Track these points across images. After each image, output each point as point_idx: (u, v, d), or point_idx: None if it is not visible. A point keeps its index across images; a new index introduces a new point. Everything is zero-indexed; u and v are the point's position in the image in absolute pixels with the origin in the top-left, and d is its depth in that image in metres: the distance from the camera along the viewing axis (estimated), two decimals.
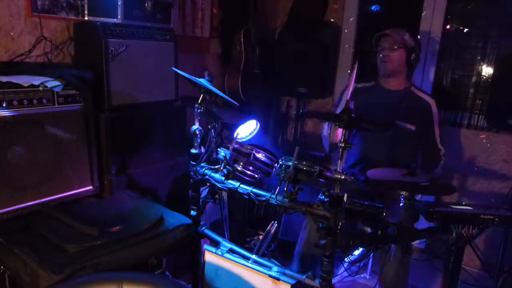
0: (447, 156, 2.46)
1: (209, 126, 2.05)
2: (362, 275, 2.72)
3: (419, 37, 2.58)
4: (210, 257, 1.88)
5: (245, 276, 1.79)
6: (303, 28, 3.35)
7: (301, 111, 3.54)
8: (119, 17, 2.05)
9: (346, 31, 3.45)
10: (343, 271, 1.94)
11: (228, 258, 1.83)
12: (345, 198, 1.59)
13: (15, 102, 1.66)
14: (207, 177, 1.99)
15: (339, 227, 1.59)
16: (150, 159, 2.22)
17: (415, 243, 2.85)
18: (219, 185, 1.94)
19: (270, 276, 1.72)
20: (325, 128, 2.50)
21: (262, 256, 1.85)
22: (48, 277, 1.37)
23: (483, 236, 2.85)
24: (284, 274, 1.73)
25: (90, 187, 1.97)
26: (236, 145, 1.93)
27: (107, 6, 2.07)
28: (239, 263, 1.80)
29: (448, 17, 3.06)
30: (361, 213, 1.69)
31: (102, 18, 2.09)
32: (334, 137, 2.45)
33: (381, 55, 2.45)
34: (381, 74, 2.51)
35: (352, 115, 1.56)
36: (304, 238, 2.27)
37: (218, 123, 2.08)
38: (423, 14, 3.09)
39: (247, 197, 1.83)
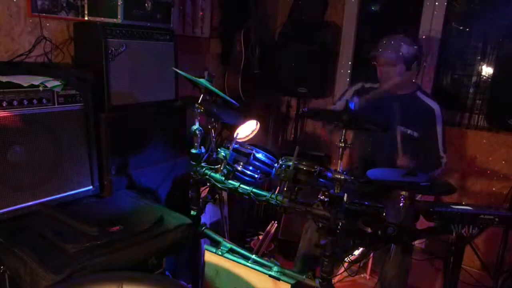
0: (449, 160, 2.44)
1: (209, 126, 2.04)
2: (362, 275, 2.72)
3: (420, 40, 2.49)
4: (210, 257, 1.88)
5: (245, 276, 1.78)
6: (303, 28, 3.35)
7: (302, 110, 3.54)
8: (119, 17, 2.05)
9: (346, 31, 3.46)
10: (343, 271, 1.94)
11: (228, 258, 1.83)
12: (345, 198, 1.59)
13: (15, 102, 1.66)
14: (207, 177, 1.99)
15: (339, 227, 1.59)
16: (150, 159, 2.22)
17: (415, 243, 2.84)
18: (219, 185, 1.94)
19: (270, 276, 1.72)
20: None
21: (262, 256, 1.85)
22: (48, 277, 1.37)
23: (483, 236, 2.85)
24: (284, 274, 1.73)
25: (90, 187, 1.97)
26: (236, 145, 1.93)
27: (107, 6, 2.07)
28: (239, 263, 1.80)
29: (448, 17, 3.05)
30: (361, 213, 1.69)
31: (102, 18, 2.09)
32: None
33: (378, 72, 2.40)
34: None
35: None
36: (306, 242, 2.26)
37: (218, 123, 2.08)
38: (423, 14, 3.09)
39: (247, 197, 1.83)
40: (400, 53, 2.30)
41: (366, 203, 1.71)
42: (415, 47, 2.35)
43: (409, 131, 2.37)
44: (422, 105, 2.41)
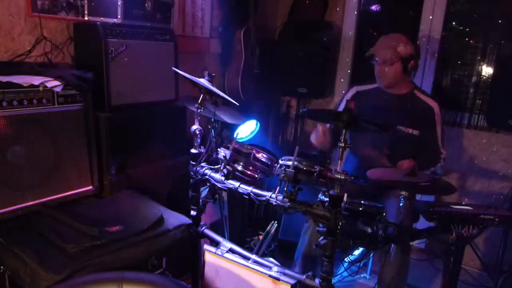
0: (448, 157, 2.44)
1: (209, 126, 2.04)
2: (362, 275, 2.72)
3: (418, 42, 2.50)
4: (210, 257, 1.88)
5: (245, 276, 1.78)
6: (303, 28, 3.35)
7: (301, 110, 3.54)
8: (119, 17, 2.05)
9: (346, 31, 3.45)
10: (343, 271, 1.94)
11: (228, 258, 1.83)
12: (345, 198, 1.59)
13: (15, 102, 1.66)
14: (207, 177, 1.99)
15: (339, 227, 1.59)
16: (150, 159, 2.22)
17: (415, 243, 2.84)
18: (219, 185, 1.94)
19: (270, 276, 1.72)
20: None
21: (262, 256, 1.85)
22: (48, 277, 1.37)
23: (483, 236, 2.85)
24: (284, 274, 1.73)
25: (90, 187, 1.97)
26: (236, 145, 1.93)
27: (107, 6, 2.07)
28: (239, 263, 1.80)
29: (448, 17, 3.05)
30: (361, 213, 1.69)
31: (102, 18, 2.09)
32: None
33: (375, 70, 2.39)
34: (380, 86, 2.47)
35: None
36: (306, 242, 2.26)
37: (218, 123, 2.07)
38: (423, 14, 3.08)
39: (247, 197, 1.83)
40: (398, 51, 2.31)
41: (366, 203, 1.71)
42: (413, 46, 2.36)
43: (410, 131, 2.37)
44: (421, 104, 2.41)
